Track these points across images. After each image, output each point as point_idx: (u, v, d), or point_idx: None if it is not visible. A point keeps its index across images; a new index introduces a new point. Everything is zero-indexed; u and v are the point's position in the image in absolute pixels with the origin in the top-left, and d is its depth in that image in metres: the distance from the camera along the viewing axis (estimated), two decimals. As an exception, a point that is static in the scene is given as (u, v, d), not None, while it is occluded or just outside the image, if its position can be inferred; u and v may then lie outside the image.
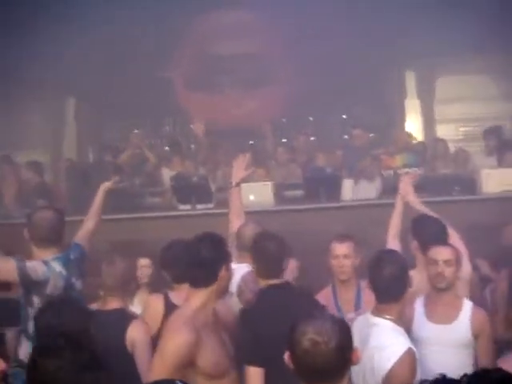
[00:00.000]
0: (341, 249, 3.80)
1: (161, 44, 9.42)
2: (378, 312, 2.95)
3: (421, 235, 3.76)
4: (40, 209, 3.70)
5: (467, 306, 3.43)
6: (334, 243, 3.84)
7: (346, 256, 3.79)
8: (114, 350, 3.13)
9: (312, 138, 9.99)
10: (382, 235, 4.14)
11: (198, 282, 2.86)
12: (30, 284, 3.36)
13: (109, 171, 6.50)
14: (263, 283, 3.27)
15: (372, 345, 2.81)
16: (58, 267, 3.44)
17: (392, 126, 9.51)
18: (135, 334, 3.38)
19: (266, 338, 2.95)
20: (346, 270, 3.78)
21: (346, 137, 10.11)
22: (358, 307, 3.68)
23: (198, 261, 2.86)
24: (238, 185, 4.38)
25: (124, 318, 3.50)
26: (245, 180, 5.32)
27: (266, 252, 3.26)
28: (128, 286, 3.70)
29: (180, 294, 3.51)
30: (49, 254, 3.46)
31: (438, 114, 9.75)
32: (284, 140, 10.09)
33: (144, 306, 3.89)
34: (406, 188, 4.20)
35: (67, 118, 10.39)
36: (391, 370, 2.70)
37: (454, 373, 1.75)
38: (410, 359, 2.76)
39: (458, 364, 3.17)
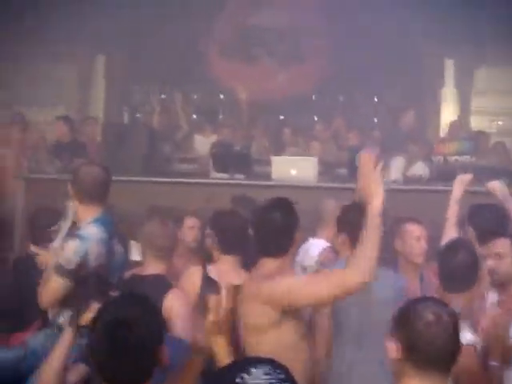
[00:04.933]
0: (420, 230, 3.68)
1: (198, 9, 9.27)
2: None
3: (478, 224, 3.64)
4: (86, 164, 3.49)
5: None
6: (411, 225, 3.70)
7: (425, 238, 3.68)
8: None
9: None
10: (430, 220, 4.04)
11: (274, 250, 2.72)
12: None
13: (143, 133, 6.41)
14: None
15: None
16: (94, 231, 3.18)
17: (425, 114, 9.36)
18: (173, 304, 3.19)
19: None
20: (424, 253, 3.67)
21: (375, 120, 9.99)
22: (423, 294, 3.57)
23: (276, 227, 2.71)
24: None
25: (164, 285, 3.31)
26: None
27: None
28: (175, 250, 3.58)
29: (219, 267, 3.42)
30: (92, 213, 3.24)
31: (473, 105, 9.58)
32: (315, 117, 9.99)
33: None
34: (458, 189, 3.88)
35: (96, 76, 10.25)
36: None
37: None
38: (467, 354, 2.58)
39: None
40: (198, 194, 5.73)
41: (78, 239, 3.14)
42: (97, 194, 3.27)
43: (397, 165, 5.55)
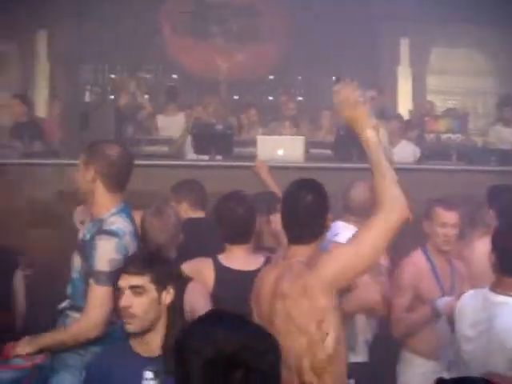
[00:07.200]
0: (450, 217, 3.43)
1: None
2: (502, 288, 2.71)
3: (497, 204, 3.56)
4: (104, 142, 2.87)
5: None
6: (440, 209, 3.45)
7: (454, 225, 3.44)
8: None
9: (300, 98, 9.80)
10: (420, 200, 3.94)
11: (308, 237, 2.46)
12: None
13: (109, 115, 6.03)
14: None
15: (503, 326, 2.60)
16: (124, 224, 2.75)
17: (383, 92, 9.35)
18: (194, 298, 2.84)
19: None
20: (452, 241, 3.45)
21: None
22: (453, 281, 3.43)
23: (309, 212, 2.44)
24: None
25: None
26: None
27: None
28: (178, 238, 3.19)
29: (231, 256, 3.12)
30: (115, 203, 2.80)
31: (428, 84, 9.66)
32: (270, 98, 9.84)
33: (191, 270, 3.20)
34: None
35: (39, 54, 9.61)
36: None
37: None
38: None
39: None
40: (175, 177, 5.40)
41: (113, 236, 2.68)
42: (125, 179, 2.85)
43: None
